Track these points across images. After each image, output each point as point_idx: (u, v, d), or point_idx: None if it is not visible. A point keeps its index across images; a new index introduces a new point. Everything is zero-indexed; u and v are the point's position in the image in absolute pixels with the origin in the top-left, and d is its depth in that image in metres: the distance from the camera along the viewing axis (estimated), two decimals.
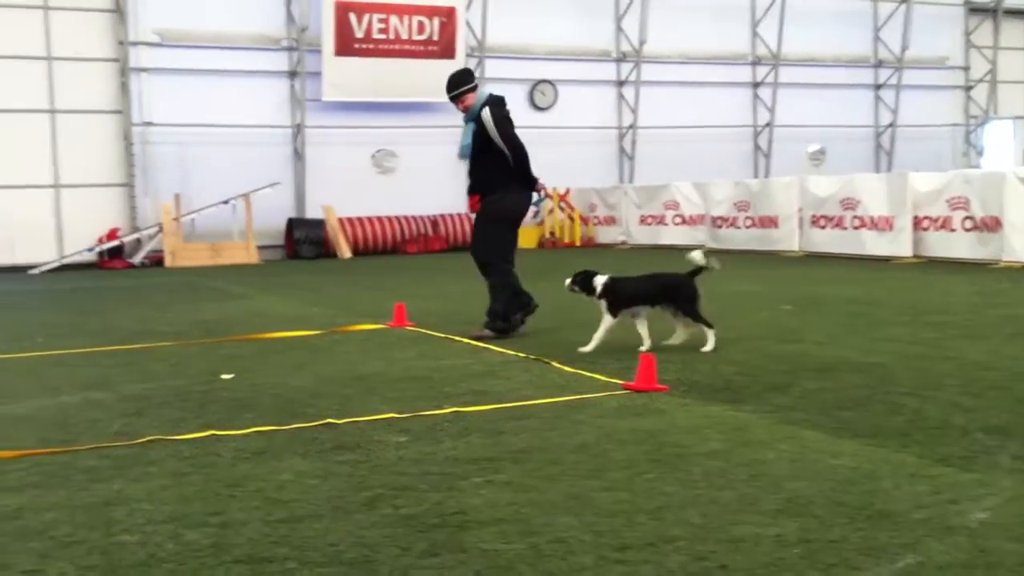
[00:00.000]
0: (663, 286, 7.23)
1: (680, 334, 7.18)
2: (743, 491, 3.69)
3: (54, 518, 3.56)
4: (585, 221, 22.54)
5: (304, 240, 20.19)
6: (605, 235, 22.20)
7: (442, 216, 21.40)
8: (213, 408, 5.43)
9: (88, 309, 11.14)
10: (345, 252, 20.15)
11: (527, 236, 22.20)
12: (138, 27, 19.49)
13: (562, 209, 22.49)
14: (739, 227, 18.37)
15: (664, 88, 23.86)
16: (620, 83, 23.90)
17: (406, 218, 21.08)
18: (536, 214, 7.62)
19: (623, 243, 21.44)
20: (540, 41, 22.89)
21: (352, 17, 20.58)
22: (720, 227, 18.83)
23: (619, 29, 23.72)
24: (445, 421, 4.97)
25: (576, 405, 5.26)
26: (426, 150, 21.87)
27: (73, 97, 19.05)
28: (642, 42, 23.34)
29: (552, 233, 22.35)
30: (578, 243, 22.24)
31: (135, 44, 19.44)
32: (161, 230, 18.95)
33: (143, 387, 6.12)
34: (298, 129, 20.77)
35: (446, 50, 21.39)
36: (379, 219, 20.88)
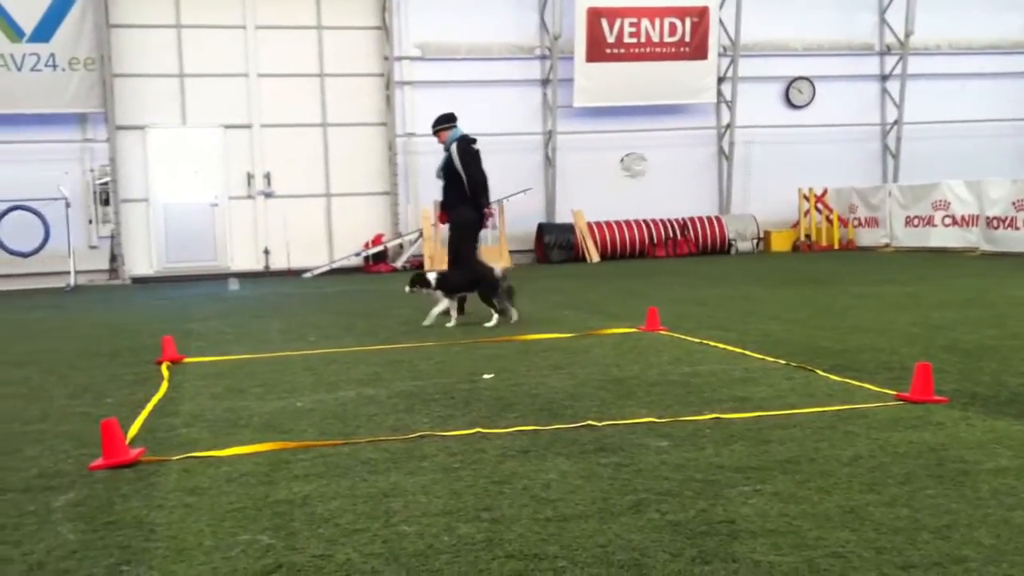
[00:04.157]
0: (475, 277, 9.63)
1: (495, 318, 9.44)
2: None
3: (338, 507, 3.78)
4: (844, 223, 21.57)
5: (554, 244, 20.52)
6: (866, 237, 21.15)
7: (691, 219, 21.14)
8: (477, 406, 5.61)
9: (356, 311, 11.81)
10: (594, 256, 20.31)
11: (780, 240, 21.58)
12: (401, 43, 20.52)
13: (819, 211, 21.64)
14: (1018, 228, 16.99)
15: (933, 81, 22.45)
16: (884, 77, 22.71)
17: (654, 221, 20.97)
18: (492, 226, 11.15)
19: (886, 246, 20.36)
20: (797, 37, 22.13)
21: (604, 22, 20.72)
22: (996, 228, 17.49)
23: (882, 21, 22.55)
24: (706, 427, 4.88)
25: (846, 415, 5.02)
26: (676, 152, 21.69)
27: (342, 111, 20.31)
28: (908, 33, 22.05)
29: (808, 236, 21.54)
30: (836, 246, 21.32)
31: (399, 59, 20.47)
32: (421, 235, 19.84)
33: (412, 384, 6.40)
34: (549, 135, 21.14)
35: (698, 50, 21.11)
36: (627, 223, 20.89)
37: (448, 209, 10.62)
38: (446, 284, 9.62)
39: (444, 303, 9.60)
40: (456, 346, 8.18)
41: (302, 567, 3.16)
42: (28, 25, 18.34)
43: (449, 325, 9.46)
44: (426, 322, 9.57)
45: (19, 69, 18.31)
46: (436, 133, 10.63)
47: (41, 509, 3.89)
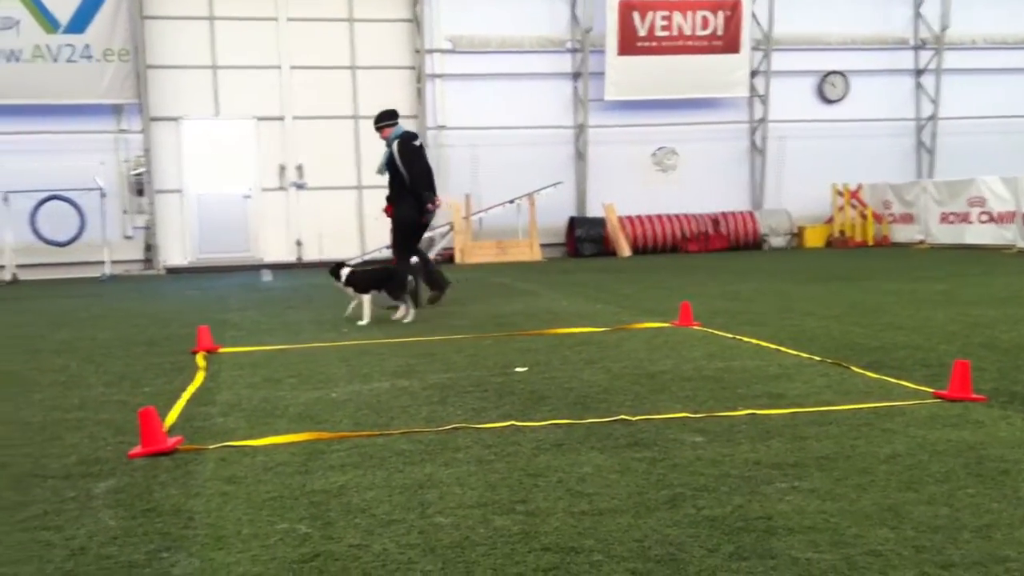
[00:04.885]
0: (381, 275, 9.73)
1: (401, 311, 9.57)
2: None
3: (374, 497, 3.80)
4: (879, 219, 21.38)
5: (585, 238, 20.50)
6: (901, 234, 20.96)
7: (723, 214, 21.04)
8: (510, 399, 5.61)
9: (388, 302, 11.80)
10: (625, 250, 20.26)
11: (814, 235, 21.43)
12: (433, 35, 20.54)
13: (853, 207, 21.46)
14: None
15: (969, 76, 22.19)
16: (919, 72, 22.47)
17: (686, 216, 20.89)
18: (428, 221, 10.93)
19: (921, 243, 20.16)
20: (831, 30, 21.94)
21: (635, 15, 20.65)
22: None
23: (918, 15, 22.31)
24: (742, 423, 4.85)
25: (883, 413, 4.98)
26: (708, 147, 21.59)
27: (374, 103, 20.24)
28: (944, 28, 21.82)
29: (842, 232, 21.37)
30: (870, 242, 21.14)
31: (430, 52, 20.49)
32: (452, 228, 19.87)
33: (445, 376, 6.42)
34: (580, 129, 21.10)
35: (730, 44, 21.00)
36: (659, 217, 20.82)
37: (393, 203, 10.82)
38: (355, 281, 9.65)
39: (356, 299, 9.65)
40: (488, 339, 8.19)
41: (339, 556, 3.18)
42: (63, 16, 18.54)
43: (361, 323, 9.37)
44: (347, 313, 9.76)
45: (55, 60, 18.52)
46: (378, 129, 10.82)
47: (82, 495, 3.94)
